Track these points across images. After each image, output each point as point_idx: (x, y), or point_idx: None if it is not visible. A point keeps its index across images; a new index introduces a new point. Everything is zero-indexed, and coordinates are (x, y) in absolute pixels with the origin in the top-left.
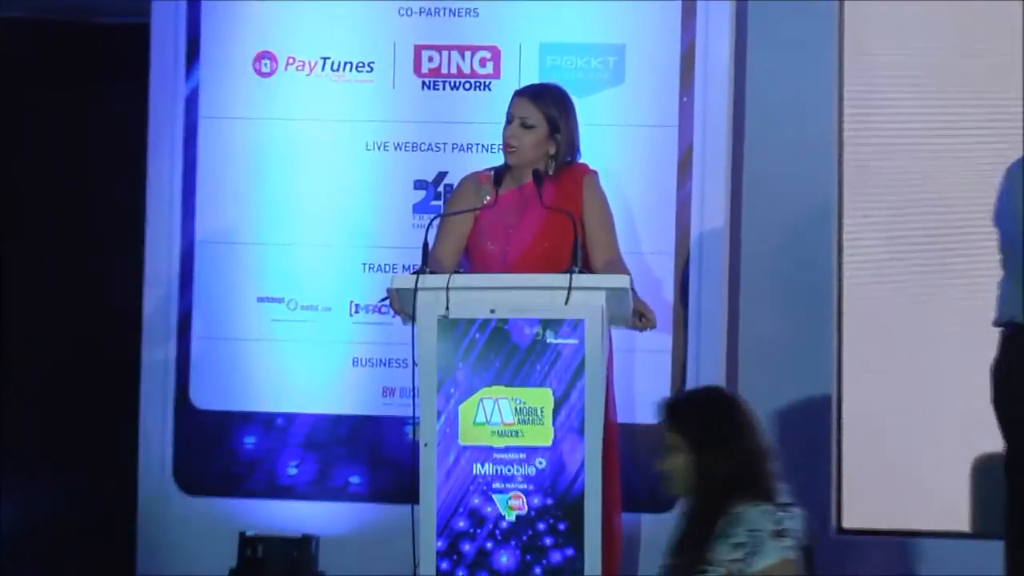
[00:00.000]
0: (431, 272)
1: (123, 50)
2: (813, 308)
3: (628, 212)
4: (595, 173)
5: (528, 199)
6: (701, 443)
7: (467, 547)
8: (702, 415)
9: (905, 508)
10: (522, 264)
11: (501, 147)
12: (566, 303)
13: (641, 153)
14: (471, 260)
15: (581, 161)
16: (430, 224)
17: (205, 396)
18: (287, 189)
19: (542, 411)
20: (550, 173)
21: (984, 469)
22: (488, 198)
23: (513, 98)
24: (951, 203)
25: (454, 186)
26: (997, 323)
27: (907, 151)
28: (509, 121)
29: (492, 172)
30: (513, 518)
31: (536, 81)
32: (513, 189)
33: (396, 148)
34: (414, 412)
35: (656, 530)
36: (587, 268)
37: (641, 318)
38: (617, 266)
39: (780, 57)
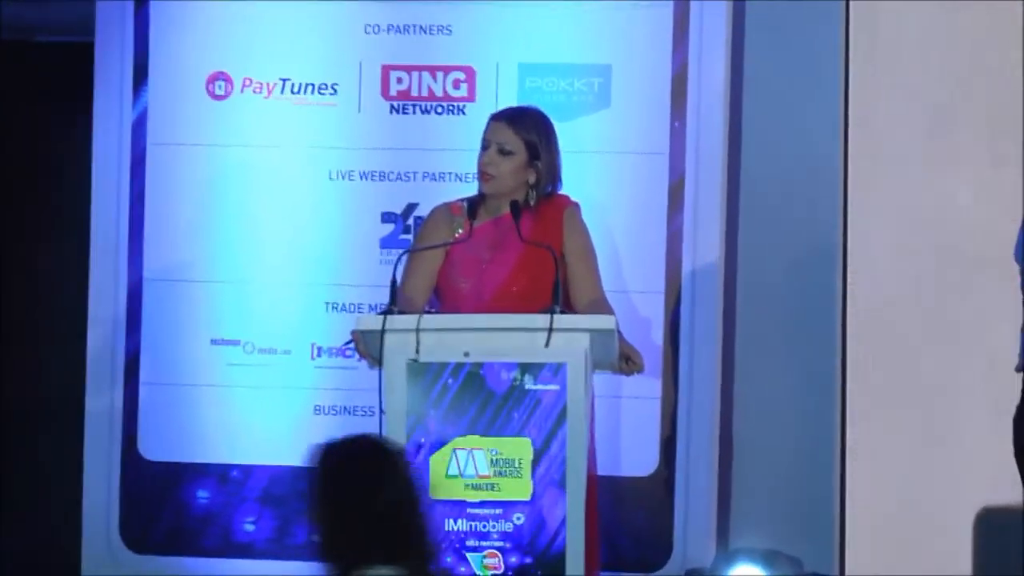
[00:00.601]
0: (400, 312)
1: (66, 71)
2: (815, 350)
3: (614, 247)
4: (576, 205)
5: (505, 232)
6: (333, 498)
7: None
8: (333, 469)
9: (911, 558)
10: (498, 303)
11: (476, 175)
12: (546, 345)
13: (629, 182)
14: (442, 299)
15: (562, 192)
16: (398, 260)
17: (154, 446)
18: (243, 222)
19: (520, 463)
20: (531, 204)
21: (992, 518)
22: (461, 231)
23: (489, 122)
24: (964, 236)
25: (424, 218)
26: (1019, 369)
27: (916, 180)
28: (485, 147)
29: (465, 203)
30: None
31: (515, 104)
32: (488, 221)
33: (362, 177)
34: None
35: None
36: (568, 308)
37: (627, 361)
38: (601, 306)
39: (780, 80)
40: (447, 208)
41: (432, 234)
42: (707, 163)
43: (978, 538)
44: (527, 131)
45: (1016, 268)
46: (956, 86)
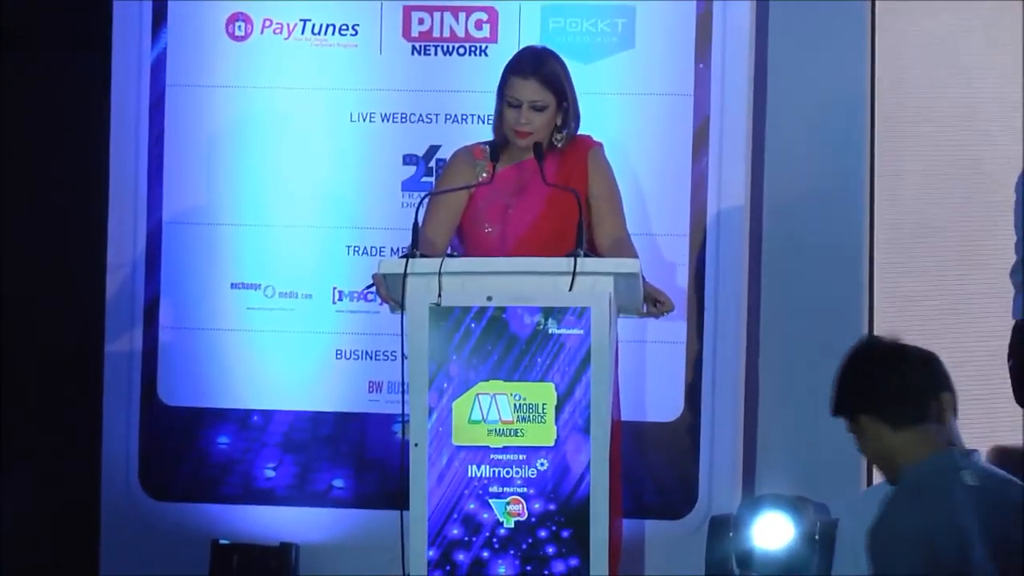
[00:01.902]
0: (422, 255)
1: (83, 11)
2: (842, 296)
3: (639, 189)
4: (600, 145)
5: (528, 176)
6: None
7: (461, 557)
8: None
9: None
10: (523, 248)
11: (509, 133)
12: (570, 289)
13: (653, 125)
14: (465, 244)
15: (584, 133)
16: (420, 203)
17: (174, 391)
18: (263, 165)
19: (544, 408)
20: (558, 145)
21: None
22: (484, 175)
23: (510, 78)
24: (993, 182)
25: (446, 161)
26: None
27: (946, 122)
28: (514, 106)
29: (487, 146)
30: (512, 525)
31: (531, 45)
32: (511, 166)
33: (383, 119)
34: (403, 409)
35: (661, 538)
36: (592, 249)
37: (655, 304)
38: (624, 247)
39: (806, 20)
40: (469, 151)
41: (454, 178)
42: (732, 104)
43: None
44: (554, 80)
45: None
46: (986, 17)
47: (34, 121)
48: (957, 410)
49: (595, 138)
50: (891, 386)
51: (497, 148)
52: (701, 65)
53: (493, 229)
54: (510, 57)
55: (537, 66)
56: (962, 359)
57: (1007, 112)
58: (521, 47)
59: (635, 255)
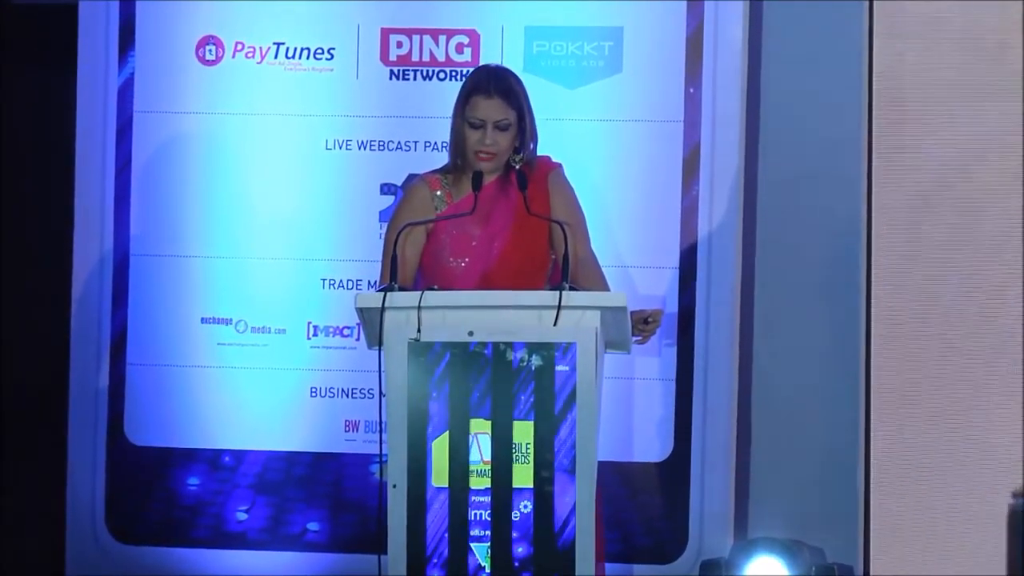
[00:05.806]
0: (401, 289)
1: (47, 34)
2: (838, 332)
3: (626, 220)
4: (560, 167)
5: (490, 204)
6: None
7: None
8: None
9: (938, 548)
10: (492, 280)
11: (470, 155)
12: (555, 324)
13: (641, 152)
14: (429, 279)
15: (545, 155)
16: (400, 232)
17: (142, 430)
18: (235, 194)
19: (527, 448)
20: (516, 167)
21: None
22: (444, 207)
23: (473, 98)
24: (990, 190)
25: (401, 194)
26: None
27: (946, 145)
28: (477, 126)
29: (439, 176)
30: None
31: (491, 64)
32: (468, 195)
33: (360, 147)
34: (381, 449)
35: None
36: (558, 271)
37: (645, 323)
38: (589, 266)
39: (800, 43)
40: (424, 182)
41: (416, 212)
42: (724, 131)
43: (1011, 528)
44: (516, 99)
45: None
46: (984, 33)
47: None
48: None
49: (580, 166)
50: None
51: (452, 174)
52: (691, 90)
53: (459, 262)
54: (466, 78)
55: (500, 84)
56: (969, 400)
57: (1009, 137)
58: (477, 66)
59: (601, 275)
